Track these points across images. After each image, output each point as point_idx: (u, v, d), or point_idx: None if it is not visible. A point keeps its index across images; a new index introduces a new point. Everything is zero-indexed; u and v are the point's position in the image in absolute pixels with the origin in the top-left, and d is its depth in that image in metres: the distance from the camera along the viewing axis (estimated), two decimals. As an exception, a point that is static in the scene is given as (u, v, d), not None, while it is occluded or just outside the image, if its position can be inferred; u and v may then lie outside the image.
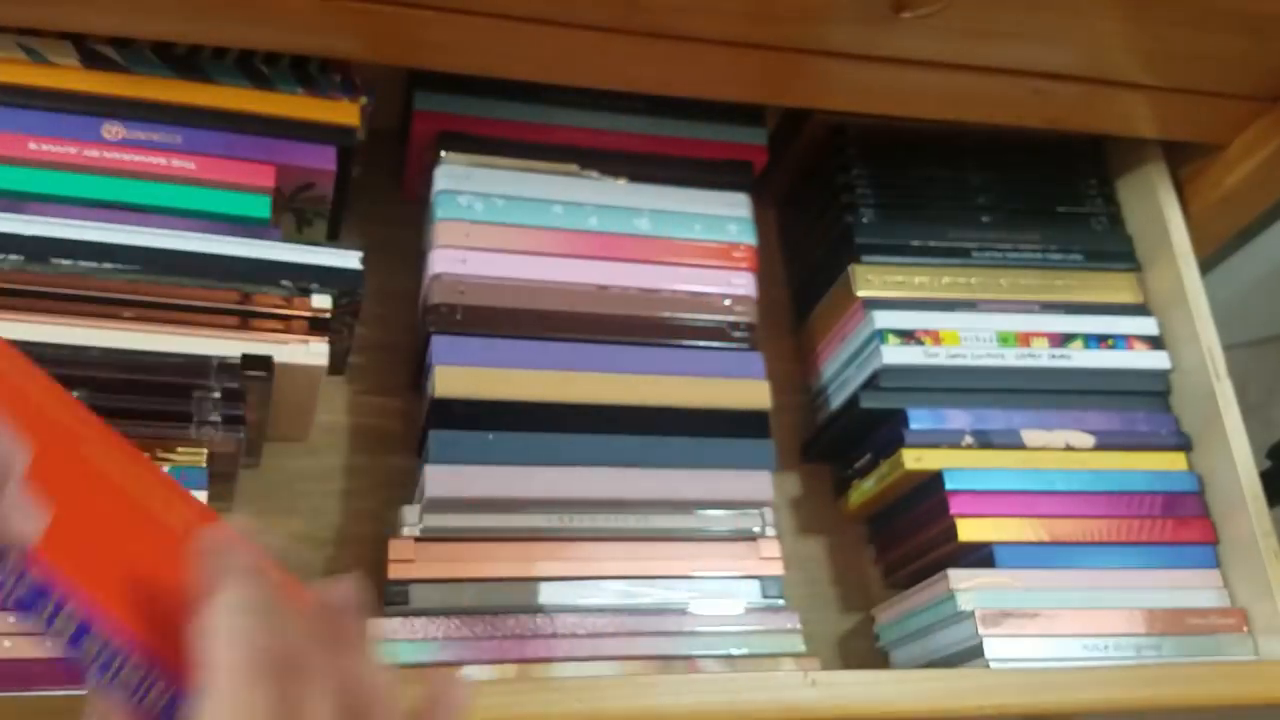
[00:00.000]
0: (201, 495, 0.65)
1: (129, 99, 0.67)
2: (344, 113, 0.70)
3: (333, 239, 0.78)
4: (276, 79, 0.69)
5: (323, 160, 0.70)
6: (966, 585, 0.73)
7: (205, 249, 0.67)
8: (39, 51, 0.65)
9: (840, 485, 0.87)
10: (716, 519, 0.73)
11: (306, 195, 0.73)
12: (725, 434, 0.75)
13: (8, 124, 0.66)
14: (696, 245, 0.79)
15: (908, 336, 0.78)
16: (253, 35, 0.64)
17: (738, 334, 0.77)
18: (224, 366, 0.65)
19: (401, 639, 0.65)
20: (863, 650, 0.83)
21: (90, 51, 0.66)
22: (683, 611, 0.70)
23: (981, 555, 0.75)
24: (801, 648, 0.71)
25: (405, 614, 0.66)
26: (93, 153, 0.67)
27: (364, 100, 0.71)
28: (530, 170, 0.77)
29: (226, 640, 0.33)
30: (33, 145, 0.66)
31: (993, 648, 0.70)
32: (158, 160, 0.67)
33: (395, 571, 0.67)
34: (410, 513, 0.68)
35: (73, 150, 0.66)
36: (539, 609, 0.68)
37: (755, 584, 0.72)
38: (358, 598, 0.39)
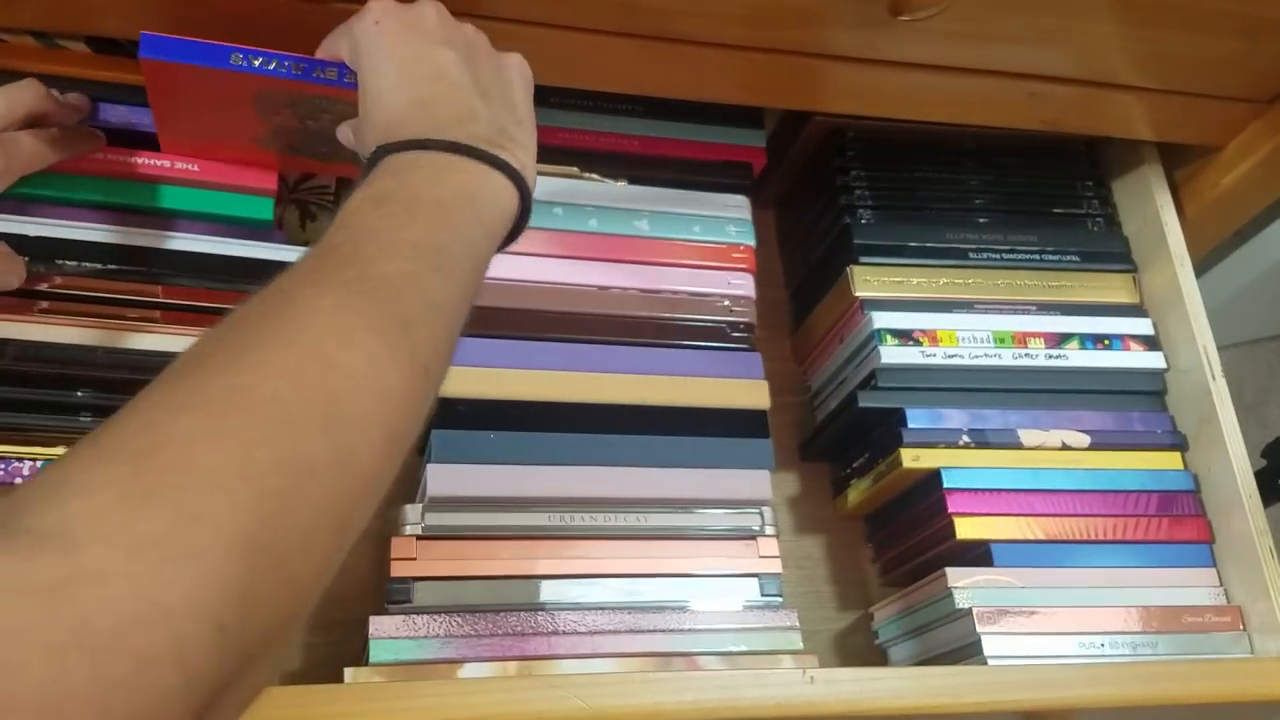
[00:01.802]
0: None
1: (137, 85, 0.67)
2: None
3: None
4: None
5: None
6: (964, 583, 0.73)
7: (209, 250, 0.68)
8: (49, 35, 0.65)
9: (838, 484, 0.87)
10: (715, 517, 0.73)
11: (309, 185, 0.73)
12: (724, 433, 0.75)
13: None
14: (696, 246, 0.79)
15: (905, 337, 0.79)
16: (260, 42, 0.64)
17: (737, 334, 0.78)
18: (229, 366, 0.66)
19: (403, 636, 0.65)
20: (860, 648, 0.84)
21: (99, 37, 0.66)
22: (682, 609, 0.71)
23: (979, 553, 0.75)
24: (800, 645, 0.71)
25: (407, 611, 0.67)
26: (96, 155, 0.67)
27: None
28: (531, 172, 0.78)
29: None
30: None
31: (990, 645, 0.71)
32: (161, 163, 0.68)
33: (398, 569, 0.67)
34: (412, 511, 0.69)
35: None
36: (540, 607, 0.69)
37: (754, 582, 0.72)
38: None
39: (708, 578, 0.72)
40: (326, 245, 0.41)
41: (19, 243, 0.64)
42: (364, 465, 0.34)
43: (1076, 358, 0.81)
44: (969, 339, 0.80)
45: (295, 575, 0.30)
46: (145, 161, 0.67)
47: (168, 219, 0.68)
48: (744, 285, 0.79)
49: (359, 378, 0.35)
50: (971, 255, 0.83)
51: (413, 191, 0.45)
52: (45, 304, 0.65)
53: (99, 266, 0.65)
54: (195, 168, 0.68)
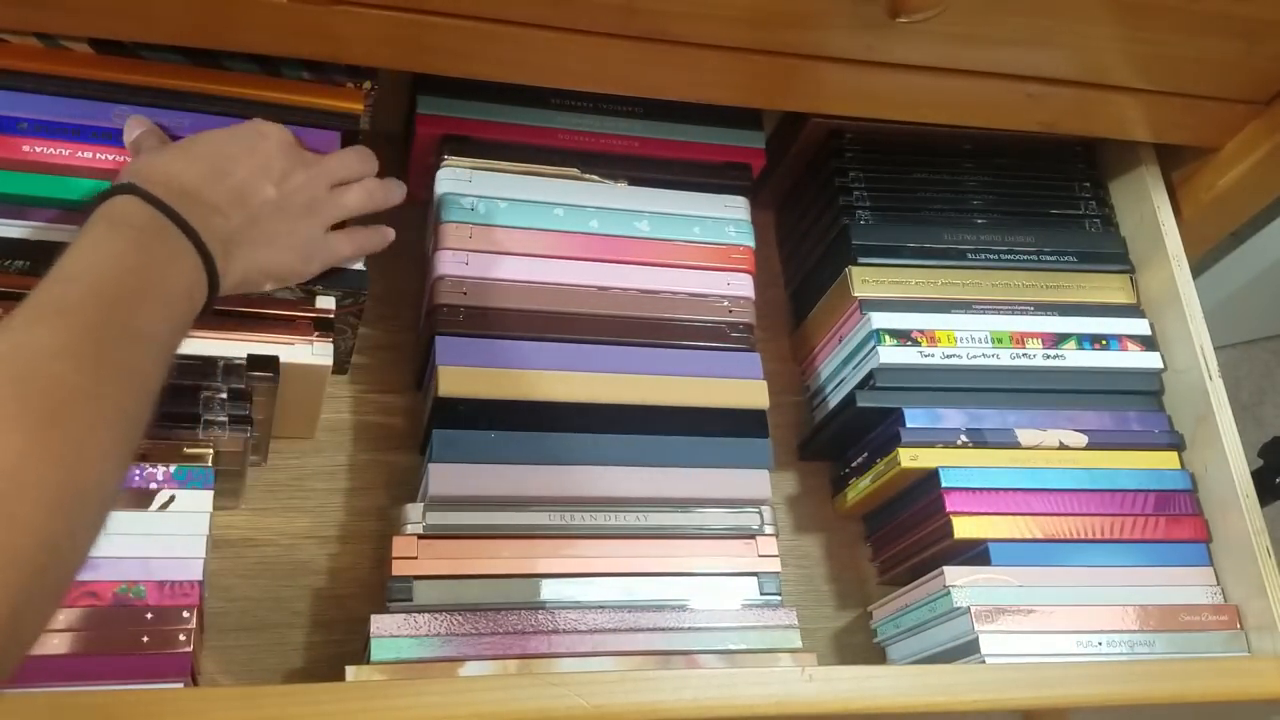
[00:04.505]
0: (208, 494, 0.66)
1: (139, 85, 0.67)
2: (348, 98, 0.71)
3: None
4: (283, 64, 0.70)
5: (326, 145, 0.70)
6: (962, 582, 0.73)
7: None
8: (52, 36, 0.66)
9: (837, 483, 0.87)
10: (715, 517, 0.74)
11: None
12: (724, 433, 0.75)
13: (19, 108, 0.66)
14: (695, 247, 0.79)
15: (904, 337, 0.79)
16: (260, 41, 0.65)
17: (736, 334, 0.78)
18: (230, 367, 0.66)
19: (405, 635, 0.66)
20: (859, 646, 0.84)
21: (102, 38, 0.66)
22: (682, 608, 0.71)
23: (977, 552, 0.75)
24: (799, 643, 0.71)
25: (408, 610, 0.67)
26: (86, 154, 0.66)
27: (368, 85, 0.71)
28: (532, 173, 0.78)
29: None
30: (26, 148, 0.65)
31: (988, 644, 0.71)
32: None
33: (399, 568, 0.67)
34: (414, 510, 0.69)
35: (66, 152, 0.66)
36: (540, 605, 0.69)
37: (753, 581, 0.73)
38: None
39: (707, 576, 0.72)
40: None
41: (20, 247, 0.64)
42: None
43: (1074, 358, 0.81)
44: (967, 339, 0.80)
45: None
46: None
47: None
48: (743, 286, 0.79)
49: None
50: (969, 256, 0.83)
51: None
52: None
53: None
54: None
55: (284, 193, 0.62)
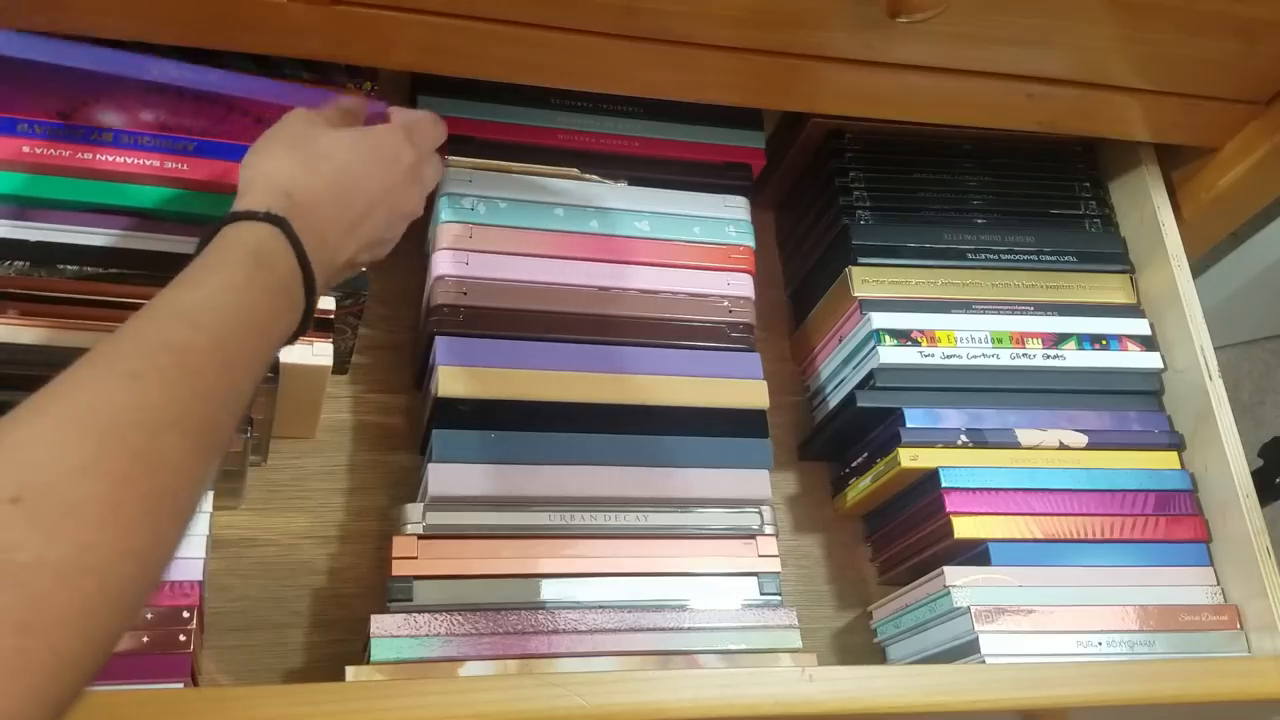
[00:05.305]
0: (208, 494, 0.66)
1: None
2: None
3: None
4: (283, 64, 0.70)
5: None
6: (962, 582, 0.73)
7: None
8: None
9: (837, 483, 0.87)
10: (715, 517, 0.74)
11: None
12: (724, 433, 0.75)
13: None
14: (695, 247, 0.79)
15: (904, 337, 0.79)
16: (260, 41, 0.65)
17: (736, 335, 0.78)
18: (230, 367, 0.66)
19: (405, 635, 0.66)
20: (859, 646, 0.84)
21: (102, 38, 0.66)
22: (682, 608, 0.71)
23: (977, 553, 0.75)
24: (799, 643, 0.71)
25: (408, 610, 0.67)
26: (86, 155, 0.66)
27: (368, 85, 0.71)
28: (532, 173, 0.78)
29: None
30: (25, 148, 0.65)
31: (988, 644, 0.71)
32: (150, 162, 0.67)
33: (399, 568, 0.67)
34: (413, 510, 0.69)
35: (65, 153, 0.66)
36: (540, 605, 0.69)
37: (753, 581, 0.73)
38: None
39: (707, 576, 0.72)
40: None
41: (19, 247, 0.64)
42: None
43: (1074, 358, 0.81)
44: (967, 339, 0.80)
45: None
46: (134, 161, 0.67)
47: (161, 221, 0.67)
48: (743, 286, 0.79)
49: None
50: (969, 256, 0.83)
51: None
52: (45, 308, 0.64)
53: (99, 270, 0.65)
54: (185, 167, 0.68)
55: (391, 210, 0.61)
